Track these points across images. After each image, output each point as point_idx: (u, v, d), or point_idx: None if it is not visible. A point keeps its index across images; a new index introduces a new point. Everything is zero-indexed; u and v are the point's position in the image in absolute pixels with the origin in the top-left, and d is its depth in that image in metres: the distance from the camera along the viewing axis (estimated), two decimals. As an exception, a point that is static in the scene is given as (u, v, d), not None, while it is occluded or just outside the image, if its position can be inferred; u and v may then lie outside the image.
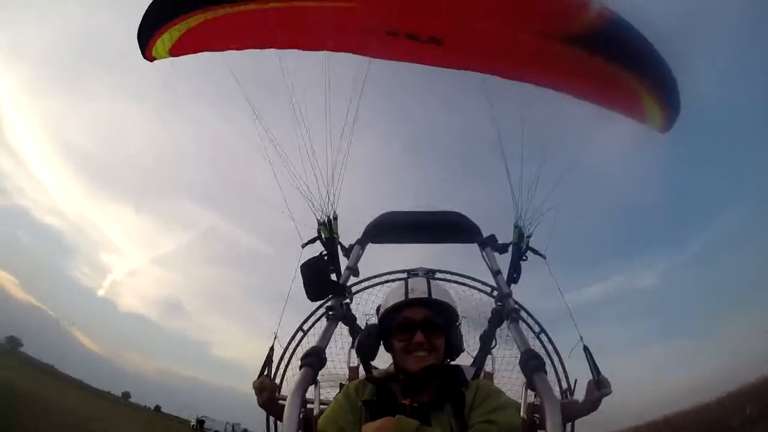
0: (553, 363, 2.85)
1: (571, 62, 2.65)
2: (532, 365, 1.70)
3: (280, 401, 2.53)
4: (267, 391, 2.43)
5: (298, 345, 3.01)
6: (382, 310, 2.10)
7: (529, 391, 1.86)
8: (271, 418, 2.85)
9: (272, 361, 2.62)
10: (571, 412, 2.51)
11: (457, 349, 2.04)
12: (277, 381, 3.02)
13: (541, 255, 2.94)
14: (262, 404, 2.41)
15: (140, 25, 2.90)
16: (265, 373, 2.48)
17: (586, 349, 2.53)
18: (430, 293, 1.96)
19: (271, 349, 2.60)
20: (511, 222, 3.07)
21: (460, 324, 2.10)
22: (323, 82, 2.86)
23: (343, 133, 2.87)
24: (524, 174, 2.89)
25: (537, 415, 1.67)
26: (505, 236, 3.09)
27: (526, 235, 2.95)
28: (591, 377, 2.44)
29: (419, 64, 2.94)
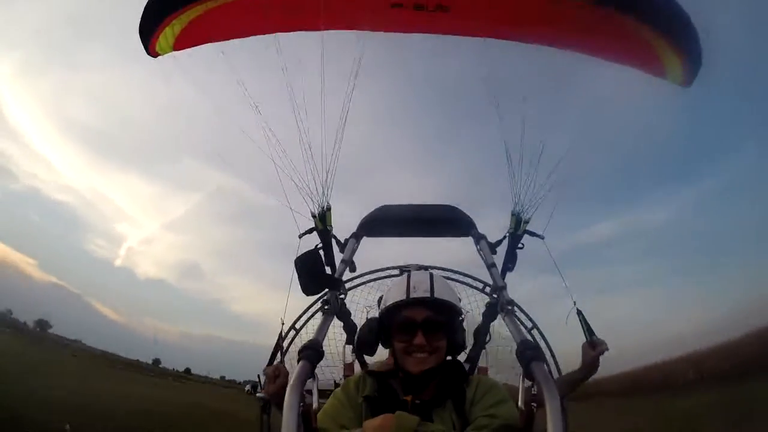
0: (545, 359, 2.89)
1: (582, 17, 2.57)
2: (528, 355, 1.71)
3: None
4: (282, 377, 2.37)
5: (291, 342, 3.00)
6: (383, 305, 2.07)
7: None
8: (264, 417, 2.82)
9: (282, 348, 2.56)
10: (571, 381, 2.52)
11: (459, 346, 2.03)
12: None
13: (539, 236, 2.87)
14: (274, 393, 2.33)
15: (141, 20, 2.81)
16: (276, 360, 2.41)
17: (579, 312, 2.53)
18: (432, 292, 1.92)
19: (280, 336, 2.54)
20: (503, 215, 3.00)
21: (463, 320, 2.09)
22: (317, 62, 2.76)
23: (342, 115, 2.80)
24: (524, 154, 2.79)
25: (534, 404, 1.68)
26: (497, 227, 3.04)
27: (523, 221, 2.87)
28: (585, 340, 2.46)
29: (425, 33, 2.90)
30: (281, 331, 2.56)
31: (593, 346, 2.43)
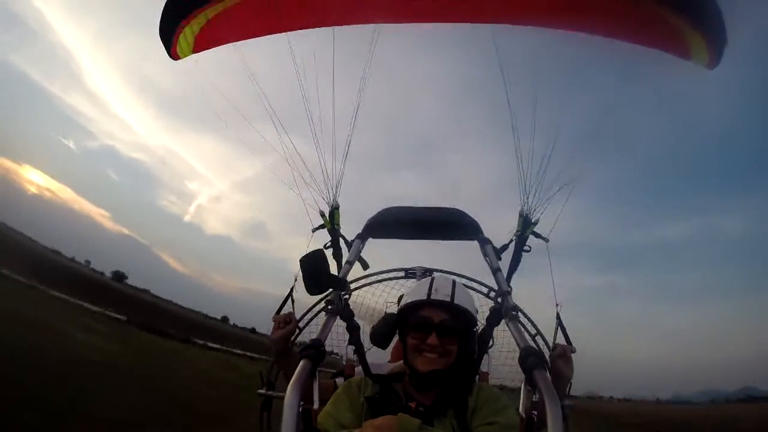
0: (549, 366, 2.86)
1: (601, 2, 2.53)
2: (531, 362, 1.70)
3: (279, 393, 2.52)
4: (292, 324, 2.41)
5: (294, 340, 3.01)
6: (402, 302, 2.10)
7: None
8: (265, 414, 2.84)
9: (293, 301, 2.65)
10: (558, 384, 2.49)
11: (470, 355, 2.04)
12: (274, 376, 3.03)
13: (544, 239, 2.83)
14: (279, 338, 2.38)
15: (160, 23, 2.87)
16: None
17: (558, 316, 2.50)
18: (453, 297, 1.95)
19: (292, 289, 2.62)
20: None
21: (477, 331, 2.11)
22: (328, 58, 2.80)
23: (353, 113, 2.87)
24: (535, 147, 2.71)
25: (535, 412, 1.67)
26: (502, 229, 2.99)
27: (532, 222, 2.83)
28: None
29: (435, 22, 2.87)
30: (293, 287, 2.63)
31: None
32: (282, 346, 2.43)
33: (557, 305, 2.53)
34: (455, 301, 1.94)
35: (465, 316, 1.97)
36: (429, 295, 1.96)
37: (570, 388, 2.86)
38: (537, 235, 2.84)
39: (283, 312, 2.59)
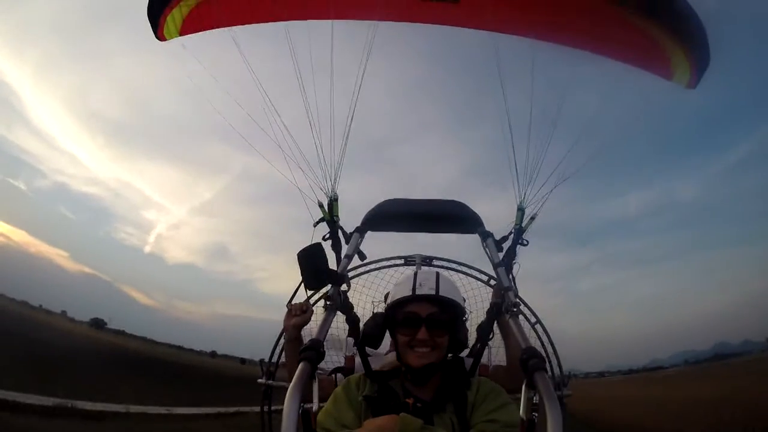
0: (547, 354, 2.89)
1: (592, 15, 2.55)
2: (533, 364, 1.69)
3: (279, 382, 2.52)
4: (308, 313, 2.42)
5: None
6: (389, 300, 2.09)
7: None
8: (266, 416, 2.91)
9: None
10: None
11: (462, 344, 2.04)
12: (274, 366, 3.07)
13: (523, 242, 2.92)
14: (292, 326, 2.40)
15: (149, 3, 2.79)
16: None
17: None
18: (437, 290, 1.94)
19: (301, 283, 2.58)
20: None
21: (467, 319, 2.11)
22: (326, 48, 2.75)
23: (351, 103, 2.79)
24: (530, 146, 2.78)
25: (535, 414, 1.68)
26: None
27: (530, 217, 2.86)
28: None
29: (433, 24, 2.89)
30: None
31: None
32: (295, 334, 2.44)
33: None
34: (440, 293, 1.94)
35: (452, 307, 1.97)
36: (414, 290, 1.96)
37: (569, 378, 2.90)
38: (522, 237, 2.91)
39: (297, 301, 2.60)
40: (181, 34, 2.89)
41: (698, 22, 2.52)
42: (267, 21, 2.78)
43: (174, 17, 2.76)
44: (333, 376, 2.73)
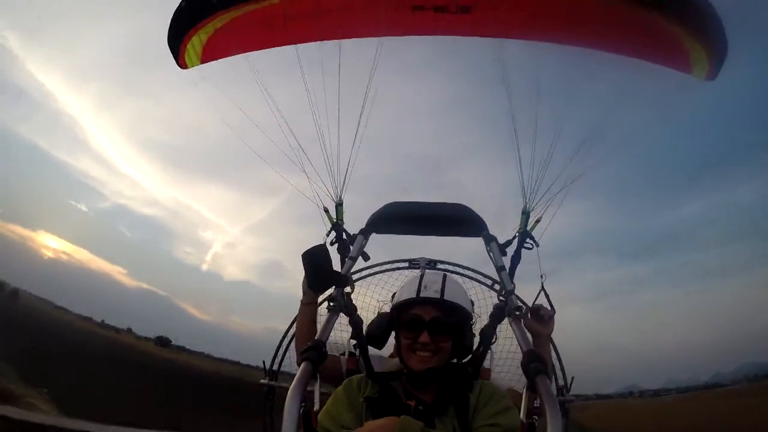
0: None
1: (606, 13, 2.54)
2: (534, 368, 1.68)
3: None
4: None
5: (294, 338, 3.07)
6: (394, 301, 2.09)
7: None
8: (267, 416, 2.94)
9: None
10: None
11: (466, 349, 2.03)
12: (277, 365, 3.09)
13: (535, 243, 2.89)
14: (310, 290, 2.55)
15: (168, 31, 2.86)
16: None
17: (542, 284, 2.60)
18: (443, 293, 1.92)
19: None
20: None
21: (474, 323, 2.09)
22: (332, 61, 2.81)
23: (362, 111, 2.87)
24: (537, 147, 2.79)
25: (536, 417, 1.67)
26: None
27: (535, 220, 2.84)
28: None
29: (444, 35, 2.92)
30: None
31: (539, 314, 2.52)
32: (314, 299, 2.64)
33: (542, 276, 2.63)
34: (446, 297, 1.91)
35: (457, 312, 1.94)
36: (419, 292, 1.93)
37: (571, 383, 2.87)
38: (530, 238, 2.89)
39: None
40: (202, 62, 2.96)
41: (713, 12, 2.48)
42: (282, 45, 2.86)
43: (194, 45, 2.83)
44: (339, 356, 2.74)
